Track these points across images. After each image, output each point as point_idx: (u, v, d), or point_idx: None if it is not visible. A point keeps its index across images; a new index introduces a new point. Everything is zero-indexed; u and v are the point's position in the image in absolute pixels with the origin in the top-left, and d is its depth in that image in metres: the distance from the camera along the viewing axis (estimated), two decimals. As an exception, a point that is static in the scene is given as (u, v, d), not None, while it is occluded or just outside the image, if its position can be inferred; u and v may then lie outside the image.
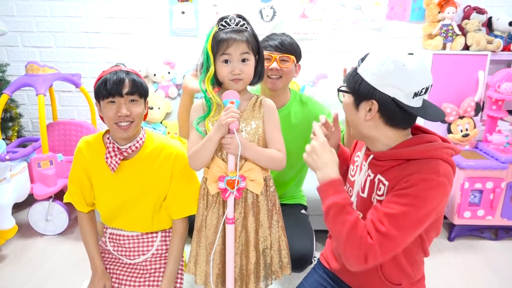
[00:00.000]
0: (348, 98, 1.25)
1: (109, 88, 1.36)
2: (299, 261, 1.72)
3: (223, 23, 1.36)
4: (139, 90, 1.42)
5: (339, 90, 1.27)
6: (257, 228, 1.44)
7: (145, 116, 1.51)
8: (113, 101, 1.39)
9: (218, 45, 1.33)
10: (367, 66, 1.17)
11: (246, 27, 1.37)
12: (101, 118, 1.49)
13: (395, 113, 1.17)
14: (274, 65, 1.77)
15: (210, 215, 1.44)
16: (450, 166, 1.17)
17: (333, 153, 1.26)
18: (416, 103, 1.16)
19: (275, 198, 1.48)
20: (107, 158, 1.46)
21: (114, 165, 1.46)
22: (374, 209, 1.18)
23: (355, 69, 1.22)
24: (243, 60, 1.35)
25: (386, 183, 1.20)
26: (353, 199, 1.33)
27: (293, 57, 1.80)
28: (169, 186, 1.54)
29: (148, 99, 3.02)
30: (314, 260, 1.84)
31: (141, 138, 1.50)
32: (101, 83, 1.38)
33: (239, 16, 1.38)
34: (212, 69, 1.36)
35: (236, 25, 1.35)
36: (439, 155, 1.16)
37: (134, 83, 1.40)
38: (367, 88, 1.17)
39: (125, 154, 1.47)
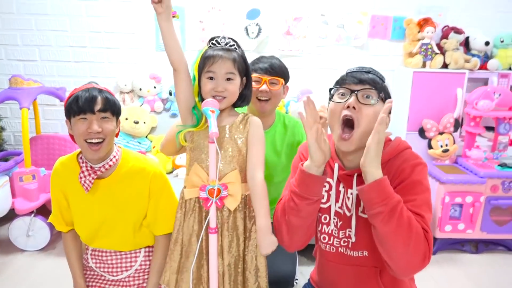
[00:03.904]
0: (381, 106, 1.19)
1: (81, 105, 1.34)
2: (279, 283, 1.70)
3: (214, 42, 1.39)
4: (112, 108, 1.40)
5: (385, 94, 1.22)
6: (230, 244, 1.42)
7: (117, 134, 1.49)
8: (85, 118, 1.36)
9: (204, 61, 1.36)
10: (387, 83, 1.23)
11: (235, 48, 1.39)
12: (71, 137, 1.45)
13: None
14: (264, 87, 1.80)
15: (186, 223, 1.44)
16: None
17: None
18: None
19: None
20: (80, 178, 1.43)
21: (88, 185, 1.43)
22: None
23: (383, 81, 1.24)
24: (228, 79, 1.36)
25: None
26: (332, 222, 1.30)
27: (282, 80, 1.84)
28: (148, 205, 1.51)
29: (133, 113, 3.02)
30: (296, 283, 1.83)
31: (114, 156, 1.47)
32: (72, 100, 1.36)
33: (230, 38, 1.41)
34: (195, 85, 1.38)
35: (226, 44, 1.38)
36: (404, 146, 1.25)
37: (107, 100, 1.39)
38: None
39: (98, 173, 1.44)
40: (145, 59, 3.14)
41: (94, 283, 1.58)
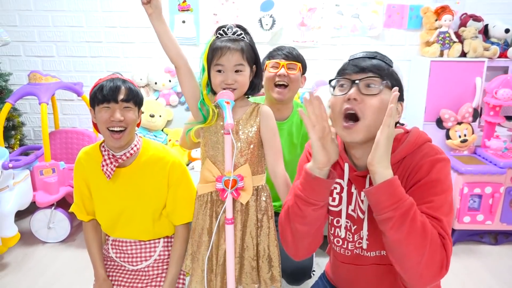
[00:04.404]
0: (387, 95, 1.07)
1: (105, 94, 1.39)
2: (296, 275, 1.69)
3: (221, 32, 1.38)
4: (135, 98, 1.44)
5: (393, 81, 1.10)
6: (242, 236, 1.43)
7: (138, 124, 1.52)
8: (108, 107, 1.41)
9: (212, 53, 1.35)
10: (396, 67, 1.11)
11: (243, 37, 1.38)
12: (94, 125, 1.50)
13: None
14: (282, 71, 1.80)
15: (201, 216, 1.46)
16: None
17: None
18: None
19: (267, 208, 1.45)
20: (103, 166, 1.47)
21: (110, 172, 1.47)
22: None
23: (391, 68, 1.12)
24: (237, 71, 1.35)
25: None
26: (343, 226, 1.21)
27: (299, 65, 1.83)
28: (167, 194, 1.54)
29: (149, 107, 3.05)
30: (313, 274, 1.82)
31: (135, 145, 1.50)
32: (97, 89, 1.41)
33: (238, 26, 1.39)
34: (205, 76, 1.38)
35: (233, 34, 1.36)
36: (424, 138, 1.13)
37: (130, 91, 1.43)
38: (402, 89, 1.12)
39: (120, 161, 1.48)
40: (160, 53, 3.14)
41: (114, 273, 1.61)
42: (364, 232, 1.17)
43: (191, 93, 1.41)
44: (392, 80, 1.10)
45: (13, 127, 2.94)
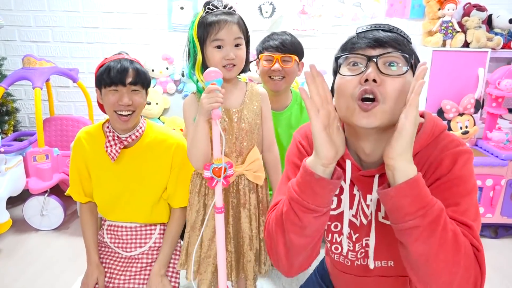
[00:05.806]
0: (410, 76, 0.89)
1: (112, 77, 1.35)
2: None
3: (210, 7, 1.28)
4: (142, 80, 1.41)
5: (415, 60, 0.91)
6: (258, 216, 1.42)
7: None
8: (116, 90, 1.37)
9: (208, 29, 1.25)
10: (414, 45, 0.93)
11: (234, 11, 1.31)
12: (99, 105, 1.47)
13: None
14: (276, 66, 1.74)
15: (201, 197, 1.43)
16: None
17: None
18: None
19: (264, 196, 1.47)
20: (106, 147, 1.45)
21: (114, 154, 1.45)
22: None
23: (409, 42, 0.93)
24: (236, 45, 1.28)
25: None
26: (345, 232, 1.02)
27: (295, 57, 1.77)
28: (169, 176, 1.52)
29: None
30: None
31: (140, 127, 1.49)
32: (104, 70, 1.36)
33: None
34: (199, 57, 1.28)
35: (224, 8, 1.29)
36: (441, 127, 0.94)
37: (137, 73, 1.39)
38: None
39: (125, 143, 1.46)
40: (158, 40, 3.10)
41: (108, 260, 1.59)
42: (371, 241, 0.98)
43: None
44: (416, 59, 0.91)
45: (7, 113, 2.89)
